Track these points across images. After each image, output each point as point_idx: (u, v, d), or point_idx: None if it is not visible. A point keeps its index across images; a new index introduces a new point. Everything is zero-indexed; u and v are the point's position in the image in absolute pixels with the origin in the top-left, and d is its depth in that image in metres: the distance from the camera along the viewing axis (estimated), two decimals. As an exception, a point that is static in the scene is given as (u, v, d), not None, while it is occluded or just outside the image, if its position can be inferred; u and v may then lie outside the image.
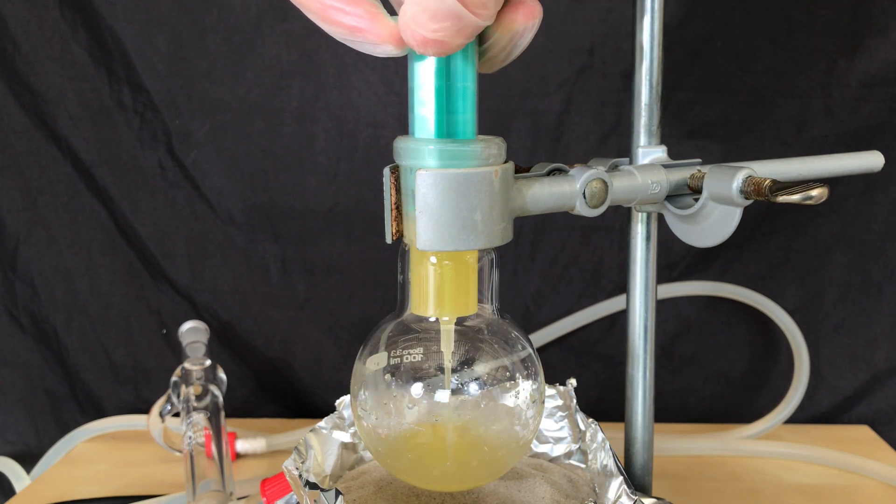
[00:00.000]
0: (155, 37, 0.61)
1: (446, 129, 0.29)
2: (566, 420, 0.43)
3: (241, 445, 0.61)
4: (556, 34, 0.60)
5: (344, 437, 0.41)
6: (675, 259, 0.65)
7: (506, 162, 0.30)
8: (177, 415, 0.58)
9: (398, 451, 0.34)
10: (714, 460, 0.61)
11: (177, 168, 0.64)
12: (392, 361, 0.34)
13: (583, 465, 0.41)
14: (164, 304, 0.67)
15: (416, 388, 0.34)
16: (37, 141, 0.63)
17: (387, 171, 0.30)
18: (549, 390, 0.43)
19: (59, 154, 0.64)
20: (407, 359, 0.34)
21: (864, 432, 0.67)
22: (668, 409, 0.68)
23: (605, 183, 0.33)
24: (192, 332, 0.63)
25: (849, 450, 0.59)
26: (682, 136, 0.62)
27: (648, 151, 0.38)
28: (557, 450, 0.43)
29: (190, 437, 0.53)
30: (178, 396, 0.58)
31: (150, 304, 0.68)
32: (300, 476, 0.34)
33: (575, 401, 0.42)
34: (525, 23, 0.27)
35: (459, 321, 0.33)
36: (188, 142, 0.64)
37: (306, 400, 0.70)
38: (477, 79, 0.29)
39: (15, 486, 0.64)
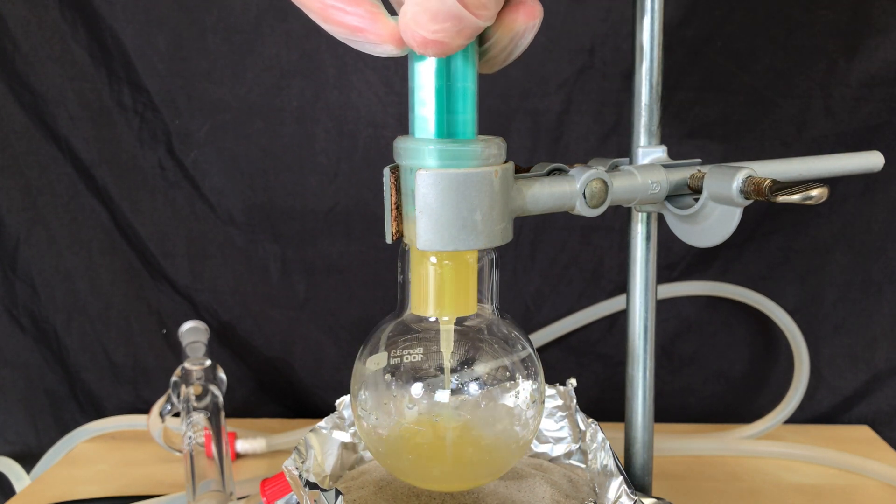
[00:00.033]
0: (155, 37, 0.61)
1: (446, 129, 0.29)
2: (566, 420, 0.43)
3: (241, 445, 0.61)
4: (556, 34, 0.60)
5: (344, 437, 0.41)
6: (675, 259, 0.65)
7: (506, 162, 0.30)
8: (177, 415, 0.58)
9: (398, 451, 0.34)
10: (714, 460, 0.61)
11: (177, 168, 0.64)
12: (392, 361, 0.34)
13: (583, 465, 0.41)
14: (164, 304, 0.67)
15: (416, 388, 0.34)
16: (37, 141, 0.63)
17: (387, 171, 0.30)
18: (549, 390, 0.43)
19: (59, 154, 0.64)
20: (407, 359, 0.34)
21: (864, 432, 0.67)
22: (668, 409, 0.68)
23: (605, 183, 0.33)
24: (192, 332, 0.63)
25: (849, 450, 0.59)
26: (682, 136, 0.62)
27: (648, 151, 0.38)
28: (557, 450, 0.43)
29: (190, 437, 0.53)
30: (178, 396, 0.58)
31: (150, 304, 0.68)
32: (300, 476, 0.34)
33: (575, 401, 0.42)
34: (526, 23, 0.27)
35: (459, 321, 0.33)
36: (188, 142, 0.64)
37: (306, 400, 0.70)
38: (477, 79, 0.29)
39: (15, 486, 0.64)
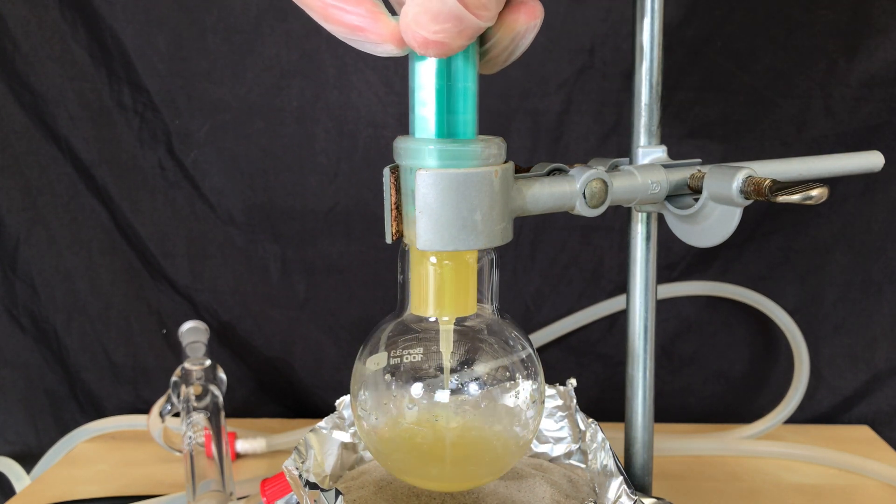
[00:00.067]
0: (155, 37, 0.61)
1: (447, 129, 0.29)
2: (566, 420, 0.43)
3: (241, 445, 0.61)
4: (556, 34, 0.60)
5: (344, 437, 0.41)
6: (675, 259, 0.65)
7: (506, 162, 0.30)
8: (177, 415, 0.58)
9: (398, 451, 0.34)
10: (714, 460, 0.61)
11: (177, 168, 0.64)
12: (392, 361, 0.34)
13: (583, 465, 0.41)
14: (164, 304, 0.67)
15: (416, 388, 0.34)
16: (37, 141, 0.63)
17: (387, 171, 0.30)
18: (549, 390, 0.43)
19: (59, 154, 0.64)
20: (407, 359, 0.34)
21: (864, 432, 0.67)
22: (668, 409, 0.68)
23: (605, 183, 0.33)
24: (192, 332, 0.63)
25: (849, 450, 0.59)
26: (682, 136, 0.62)
27: (648, 151, 0.38)
28: (557, 450, 0.43)
29: (190, 437, 0.53)
30: (178, 396, 0.58)
31: (150, 304, 0.68)
32: (300, 476, 0.34)
33: (575, 401, 0.42)
34: (527, 23, 0.27)
35: (459, 321, 0.33)
36: (188, 142, 0.64)
37: (306, 400, 0.70)
38: (478, 79, 0.29)
39: (15, 486, 0.64)
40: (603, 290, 0.66)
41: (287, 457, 0.38)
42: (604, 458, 0.37)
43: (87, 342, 0.68)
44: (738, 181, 0.32)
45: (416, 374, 0.34)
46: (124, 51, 0.61)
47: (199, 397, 0.57)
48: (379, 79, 0.62)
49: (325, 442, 0.40)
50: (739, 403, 0.69)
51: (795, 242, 0.65)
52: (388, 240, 0.31)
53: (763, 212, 0.64)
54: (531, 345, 0.36)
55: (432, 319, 0.33)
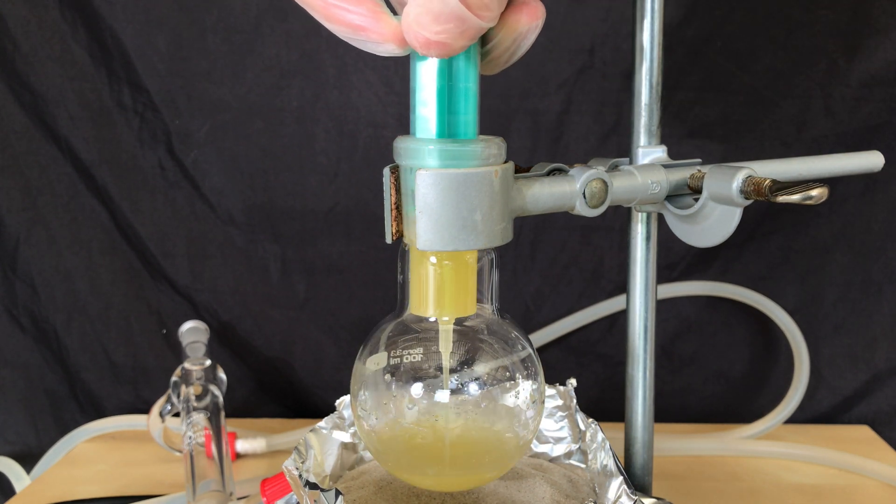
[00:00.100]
0: (155, 37, 0.61)
1: (448, 129, 0.29)
2: (566, 420, 0.43)
3: (241, 445, 0.61)
4: (556, 34, 0.60)
5: (344, 437, 0.41)
6: (675, 259, 0.65)
7: (506, 162, 0.30)
8: (177, 415, 0.58)
9: (398, 451, 0.34)
10: (714, 460, 0.61)
11: (177, 168, 0.64)
12: (392, 361, 0.34)
13: (583, 465, 0.41)
14: (164, 304, 0.67)
15: (416, 388, 0.34)
16: (37, 141, 0.63)
17: (387, 171, 0.30)
18: (549, 390, 0.43)
19: (59, 154, 0.64)
20: (407, 359, 0.34)
21: (864, 432, 0.67)
22: (668, 409, 0.68)
23: (605, 183, 0.33)
24: (192, 332, 0.63)
25: (849, 450, 0.59)
26: (682, 136, 0.62)
27: (648, 151, 0.38)
28: (557, 450, 0.43)
29: (190, 437, 0.53)
30: (178, 396, 0.58)
31: (150, 304, 0.68)
32: (300, 476, 0.34)
33: (575, 401, 0.42)
34: (528, 23, 0.27)
35: (459, 321, 0.33)
36: (188, 142, 0.64)
37: (306, 400, 0.70)
38: (479, 79, 0.29)
39: (15, 486, 0.64)
40: (603, 290, 0.66)
41: (287, 457, 0.38)
42: (604, 458, 0.37)
43: (87, 342, 0.68)
44: (738, 181, 0.32)
45: (416, 374, 0.34)
46: (124, 51, 0.61)
47: (199, 397, 0.57)
48: (379, 79, 0.62)
49: (325, 442, 0.40)
50: (739, 403, 0.69)
51: (795, 242, 0.65)
52: (388, 240, 0.31)
53: (763, 212, 0.64)
54: (531, 345, 0.36)
55: (432, 319, 0.33)
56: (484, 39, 0.28)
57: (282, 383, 0.70)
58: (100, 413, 0.69)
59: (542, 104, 0.62)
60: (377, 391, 0.34)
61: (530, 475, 0.39)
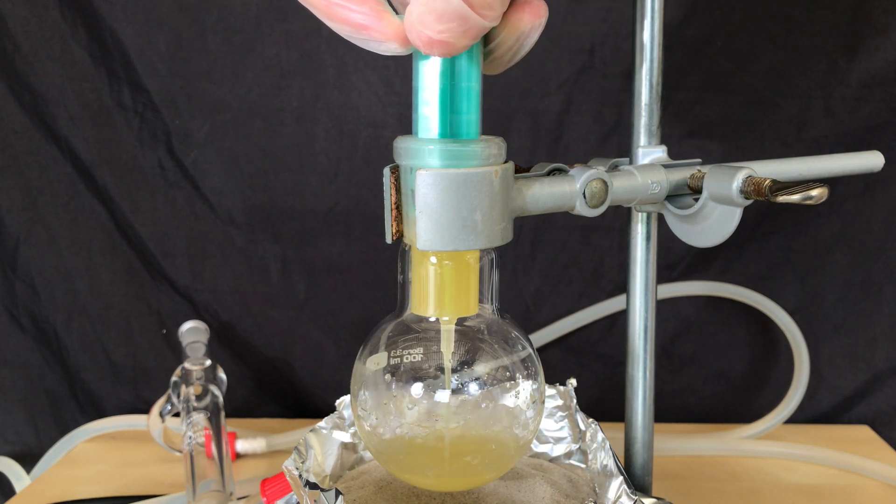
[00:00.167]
0: (155, 37, 0.61)
1: (450, 128, 0.29)
2: (566, 420, 0.43)
3: (241, 445, 0.61)
4: (556, 34, 0.60)
5: (344, 437, 0.41)
6: (675, 259, 0.65)
7: (506, 162, 0.30)
8: (177, 415, 0.58)
9: (398, 450, 0.34)
10: (714, 460, 0.61)
11: (177, 168, 0.64)
12: (392, 361, 0.34)
13: (583, 465, 0.41)
14: (164, 304, 0.67)
15: (416, 388, 0.34)
16: (37, 141, 0.63)
17: (387, 171, 0.30)
18: (549, 390, 0.43)
19: (59, 154, 0.64)
20: (407, 359, 0.34)
21: (864, 432, 0.67)
22: (668, 409, 0.68)
23: (605, 183, 0.33)
24: (192, 332, 0.63)
25: (849, 450, 0.59)
26: (682, 136, 0.62)
27: (648, 151, 0.38)
28: (557, 450, 0.43)
29: (190, 437, 0.53)
30: (178, 396, 0.58)
31: (150, 304, 0.68)
32: (300, 476, 0.34)
33: (575, 401, 0.42)
34: (531, 22, 0.27)
35: (459, 321, 0.33)
36: (188, 142, 0.64)
37: (306, 400, 0.70)
38: (481, 79, 0.29)
39: (15, 486, 0.64)
40: (603, 290, 0.66)
41: (287, 457, 0.38)
42: (604, 458, 0.37)
43: (87, 342, 0.68)
44: (738, 181, 0.32)
45: (416, 374, 0.34)
46: (124, 51, 0.61)
47: (199, 397, 0.57)
48: (379, 79, 0.62)
49: (325, 442, 0.40)
50: (739, 403, 0.69)
51: (795, 242, 0.65)
52: (389, 240, 0.31)
53: (763, 212, 0.64)
54: (531, 345, 0.36)
55: (433, 319, 0.33)
56: (487, 39, 0.28)
57: (282, 383, 0.70)
58: (100, 413, 0.69)
59: (542, 104, 0.62)
60: (377, 391, 0.34)
61: (530, 475, 0.39)
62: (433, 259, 0.31)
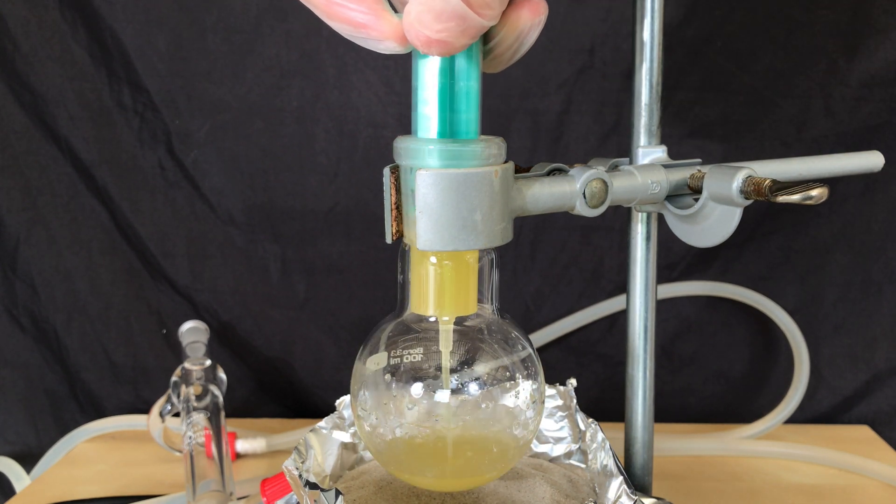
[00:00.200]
0: (155, 37, 0.61)
1: (449, 128, 0.29)
2: (566, 420, 0.43)
3: (241, 445, 0.61)
4: (556, 34, 0.60)
5: (344, 437, 0.41)
6: (675, 259, 0.65)
7: (506, 162, 0.30)
8: (177, 415, 0.58)
9: (398, 450, 0.34)
10: (714, 460, 0.61)
11: (177, 168, 0.64)
12: (392, 361, 0.34)
13: (583, 465, 0.41)
14: (164, 304, 0.67)
15: (416, 388, 0.34)
16: (37, 141, 0.63)
17: (387, 171, 0.30)
18: (549, 390, 0.43)
19: (59, 154, 0.64)
20: (407, 359, 0.34)
21: (864, 432, 0.67)
22: (668, 409, 0.68)
23: (605, 183, 0.33)
24: (192, 332, 0.63)
25: (849, 450, 0.59)
26: (682, 136, 0.62)
27: (648, 151, 0.38)
28: (557, 450, 0.43)
29: (190, 437, 0.53)
30: (178, 396, 0.58)
31: (150, 304, 0.68)
32: (300, 476, 0.34)
33: (575, 401, 0.42)
34: (531, 20, 0.27)
35: (459, 321, 0.33)
36: (188, 142, 0.64)
37: (306, 400, 0.70)
38: (481, 78, 0.29)
39: (15, 486, 0.64)
40: (603, 290, 0.66)
41: (287, 457, 0.38)
42: (604, 458, 0.37)
43: (87, 342, 0.68)
44: (738, 181, 0.32)
45: (416, 374, 0.34)
46: (124, 51, 0.61)
47: (199, 397, 0.57)
48: (379, 79, 0.62)
49: (325, 442, 0.40)
50: (739, 403, 0.69)
51: (795, 242, 0.65)
52: (388, 240, 0.31)
53: (763, 212, 0.64)
54: (531, 345, 0.36)
55: (432, 319, 0.33)
56: (486, 37, 0.28)
57: (282, 383, 0.70)
58: (100, 413, 0.69)
59: (542, 104, 0.62)
60: (377, 391, 0.34)
61: (530, 475, 0.39)
62: (433, 259, 0.31)
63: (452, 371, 0.33)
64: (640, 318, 0.40)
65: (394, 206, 0.31)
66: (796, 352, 0.63)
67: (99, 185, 0.64)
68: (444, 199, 0.28)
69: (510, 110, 0.62)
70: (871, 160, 0.38)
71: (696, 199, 0.34)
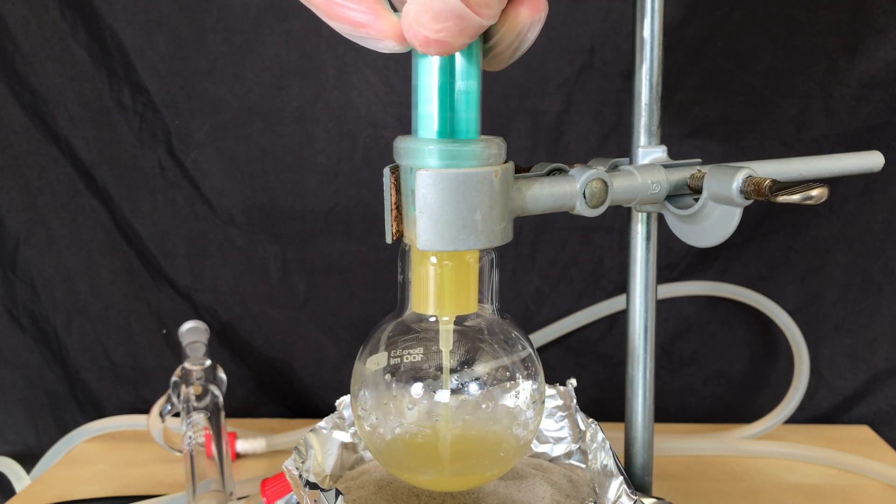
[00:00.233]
0: (155, 37, 0.61)
1: (449, 127, 0.29)
2: (566, 420, 0.43)
3: (241, 445, 0.61)
4: (556, 34, 0.60)
5: (344, 437, 0.41)
6: (675, 259, 0.65)
7: (506, 162, 0.30)
8: (177, 415, 0.58)
9: (398, 450, 0.34)
10: (714, 460, 0.61)
11: (177, 168, 0.64)
12: (392, 361, 0.34)
13: (583, 465, 0.41)
14: (164, 304, 0.67)
15: (416, 388, 0.34)
16: (37, 141, 0.63)
17: (387, 171, 0.30)
18: (549, 390, 0.43)
19: (59, 154, 0.64)
20: (407, 359, 0.34)
21: (864, 432, 0.67)
22: (668, 409, 0.68)
23: (605, 183, 0.33)
24: (192, 332, 0.63)
25: (849, 450, 0.59)
26: (682, 136, 0.62)
27: (648, 151, 0.38)
28: (557, 450, 0.43)
29: (190, 437, 0.53)
30: (178, 396, 0.58)
31: (150, 304, 0.68)
32: (300, 476, 0.34)
33: (575, 401, 0.42)
34: (531, 17, 0.27)
35: (459, 321, 0.33)
36: (188, 142, 0.64)
37: (306, 400, 0.70)
38: (481, 77, 0.29)
39: (15, 486, 0.64)
40: (603, 290, 0.66)
41: (287, 457, 0.38)
42: (604, 458, 0.37)
43: (87, 342, 0.68)
44: (738, 181, 0.32)
45: (416, 374, 0.34)
46: (124, 51, 0.61)
47: (199, 397, 0.57)
48: (379, 79, 0.62)
49: (325, 442, 0.40)
50: (739, 403, 0.69)
51: (795, 242, 0.65)
52: (388, 240, 0.31)
53: (763, 212, 0.64)
54: (531, 345, 0.36)
55: (432, 319, 0.33)
56: (486, 35, 0.28)
57: (282, 383, 0.70)
58: (100, 413, 0.69)
59: (542, 104, 0.62)
60: (377, 391, 0.34)
61: (530, 475, 0.39)
62: (433, 259, 0.31)
63: (452, 371, 0.33)
64: (640, 318, 0.40)
65: (394, 206, 0.31)
66: (796, 352, 0.63)
67: (99, 185, 0.64)
68: (444, 198, 0.28)
69: (510, 110, 0.62)
70: (871, 160, 0.38)
71: (696, 199, 0.34)
